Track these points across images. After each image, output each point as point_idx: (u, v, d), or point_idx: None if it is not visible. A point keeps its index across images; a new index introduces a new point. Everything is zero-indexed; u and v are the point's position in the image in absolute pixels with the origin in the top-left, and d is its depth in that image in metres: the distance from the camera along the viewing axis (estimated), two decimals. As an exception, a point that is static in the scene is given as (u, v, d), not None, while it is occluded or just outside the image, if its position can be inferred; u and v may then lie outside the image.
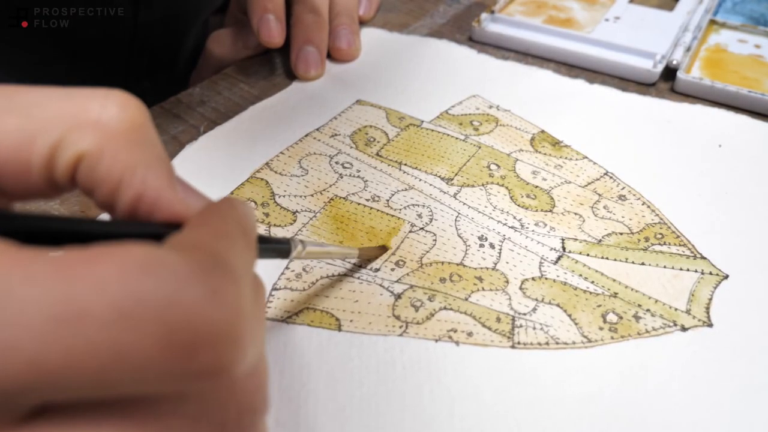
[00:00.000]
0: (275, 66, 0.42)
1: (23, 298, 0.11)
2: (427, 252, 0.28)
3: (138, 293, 0.12)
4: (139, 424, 0.13)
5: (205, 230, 0.14)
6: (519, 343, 0.24)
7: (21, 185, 0.15)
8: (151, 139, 0.16)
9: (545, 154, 0.34)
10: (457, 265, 0.27)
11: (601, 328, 0.25)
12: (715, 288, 0.26)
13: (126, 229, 0.15)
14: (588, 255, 0.28)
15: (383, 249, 0.28)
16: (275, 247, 0.20)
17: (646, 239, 0.29)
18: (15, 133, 0.15)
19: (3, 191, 0.15)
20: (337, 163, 0.33)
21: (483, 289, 0.26)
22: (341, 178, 0.32)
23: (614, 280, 0.27)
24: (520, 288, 0.26)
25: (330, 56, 0.42)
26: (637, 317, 0.25)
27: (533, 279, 0.27)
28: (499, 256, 0.28)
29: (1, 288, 0.11)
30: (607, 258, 0.28)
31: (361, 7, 0.46)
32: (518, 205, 0.31)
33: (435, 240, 0.29)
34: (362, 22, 0.46)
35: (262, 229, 0.29)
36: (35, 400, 0.12)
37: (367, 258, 0.27)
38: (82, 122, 0.15)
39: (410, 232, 0.29)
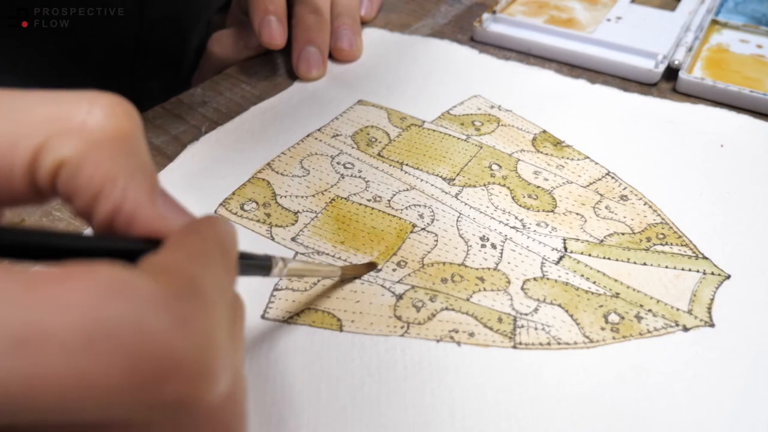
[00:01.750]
0: (277, 66, 0.42)
1: None
2: (429, 252, 0.28)
3: (104, 319, 0.11)
4: None
5: (181, 252, 0.14)
6: (520, 343, 0.24)
7: (5, 190, 0.15)
8: (136, 148, 0.15)
9: (547, 154, 0.34)
10: (459, 265, 0.27)
11: (602, 329, 0.25)
12: (717, 288, 0.26)
13: (102, 245, 0.15)
14: (590, 255, 0.28)
15: (371, 266, 0.27)
16: (256, 263, 0.20)
17: (648, 239, 0.29)
18: None
19: None
20: (338, 163, 0.33)
21: (484, 290, 0.26)
22: (343, 178, 0.32)
23: (616, 281, 0.27)
24: (522, 288, 0.26)
25: (332, 56, 0.42)
26: (638, 317, 0.25)
27: (535, 279, 0.27)
28: (501, 257, 0.28)
29: None
30: (608, 258, 0.28)
31: (362, 8, 0.46)
32: (520, 206, 0.31)
33: (436, 240, 0.29)
34: (364, 23, 0.46)
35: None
36: None
37: (352, 276, 0.26)
38: (66, 127, 0.14)
39: (412, 232, 0.29)
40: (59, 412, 0.11)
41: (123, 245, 0.15)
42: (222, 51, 0.44)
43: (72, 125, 0.14)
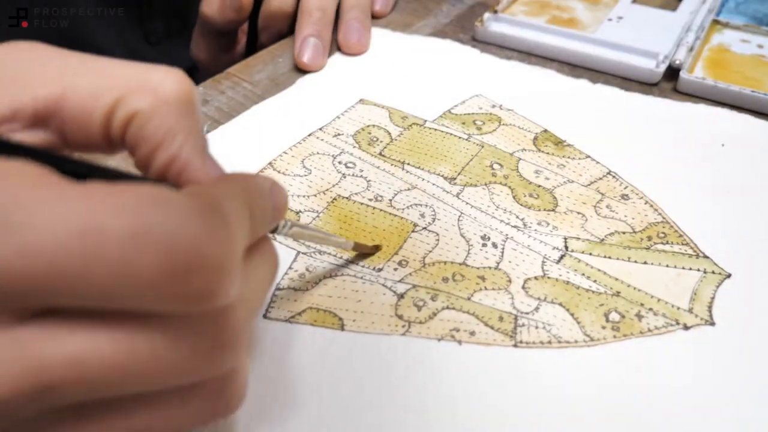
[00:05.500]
0: (278, 65, 0.42)
1: (54, 212, 0.13)
2: (430, 252, 0.28)
3: (149, 221, 0.13)
4: (127, 334, 0.14)
5: (212, 186, 0.17)
6: (521, 342, 0.24)
7: (83, 136, 0.18)
8: (196, 113, 0.18)
9: (548, 153, 0.34)
10: (460, 264, 0.27)
11: (603, 327, 0.25)
12: (718, 287, 0.26)
13: (152, 179, 0.17)
14: (590, 254, 0.28)
15: (377, 248, 0.28)
16: None
17: (649, 238, 0.29)
18: (84, 89, 0.17)
19: (67, 141, 0.18)
20: (340, 162, 0.33)
21: (485, 289, 0.26)
22: (344, 177, 0.32)
23: (617, 279, 0.27)
24: (523, 287, 0.26)
25: (339, 48, 0.43)
26: (639, 316, 0.25)
27: (536, 278, 0.27)
28: (502, 256, 0.28)
29: (36, 203, 0.13)
30: (609, 257, 0.28)
31: (377, 3, 0.47)
32: (521, 205, 0.31)
33: (438, 240, 0.29)
34: (377, 17, 0.47)
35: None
36: (42, 303, 0.13)
37: (359, 252, 0.27)
38: (142, 87, 0.17)
39: (413, 231, 0.29)
40: (103, 295, 0.13)
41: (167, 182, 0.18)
42: (210, 12, 0.44)
43: (147, 86, 0.17)
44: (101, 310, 0.14)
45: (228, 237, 0.15)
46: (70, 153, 0.19)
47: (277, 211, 0.19)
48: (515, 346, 0.24)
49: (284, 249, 0.28)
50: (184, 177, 0.18)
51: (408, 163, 0.33)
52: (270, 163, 0.33)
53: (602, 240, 0.29)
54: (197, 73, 0.41)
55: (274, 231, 0.21)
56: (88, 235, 0.13)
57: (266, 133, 0.35)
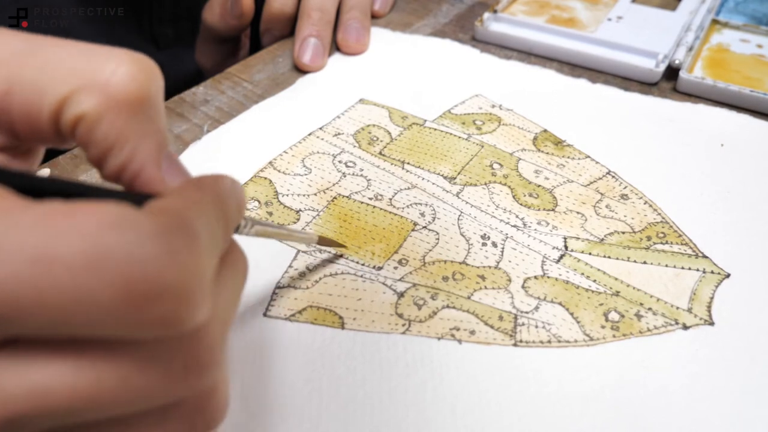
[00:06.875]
0: (278, 65, 0.42)
1: (7, 241, 0.12)
2: (430, 251, 0.28)
3: (105, 246, 0.13)
4: (91, 361, 0.14)
5: (179, 198, 0.16)
6: (521, 341, 0.24)
7: (33, 132, 0.17)
8: (151, 112, 0.17)
9: (548, 153, 0.34)
10: (460, 263, 0.27)
11: (603, 327, 0.25)
12: (717, 287, 0.27)
13: (112, 191, 0.16)
14: (590, 254, 0.28)
15: (342, 245, 0.28)
16: None
17: (648, 238, 0.29)
18: (30, 85, 0.16)
19: (18, 137, 0.17)
20: (340, 161, 0.33)
21: (485, 288, 0.26)
22: (344, 176, 0.32)
23: (616, 279, 0.27)
24: (523, 286, 0.26)
25: (338, 48, 0.43)
26: (638, 316, 0.25)
27: (535, 278, 0.27)
28: (502, 255, 0.28)
29: None
30: (609, 257, 0.28)
31: (376, 3, 0.47)
32: (521, 204, 0.31)
33: (438, 239, 0.29)
34: (377, 17, 0.48)
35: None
36: (2, 334, 0.13)
37: (327, 246, 0.27)
38: (89, 84, 0.16)
39: (413, 230, 0.29)
40: (60, 324, 0.13)
41: (131, 193, 0.16)
42: (212, 19, 0.44)
43: (96, 82, 0.16)
44: (66, 338, 0.14)
45: (193, 259, 0.14)
46: (24, 148, 0.18)
47: (241, 210, 0.18)
48: (515, 345, 0.24)
49: (284, 248, 0.28)
50: (137, 185, 0.17)
51: (408, 163, 0.33)
52: (270, 162, 0.33)
53: (602, 240, 0.29)
54: (203, 78, 0.41)
55: (234, 231, 0.20)
56: (41, 263, 0.12)
57: (266, 132, 0.35)
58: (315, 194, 0.31)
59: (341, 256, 0.28)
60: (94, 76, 0.16)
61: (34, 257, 0.12)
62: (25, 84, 0.16)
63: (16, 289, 0.12)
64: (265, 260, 0.27)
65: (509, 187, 0.32)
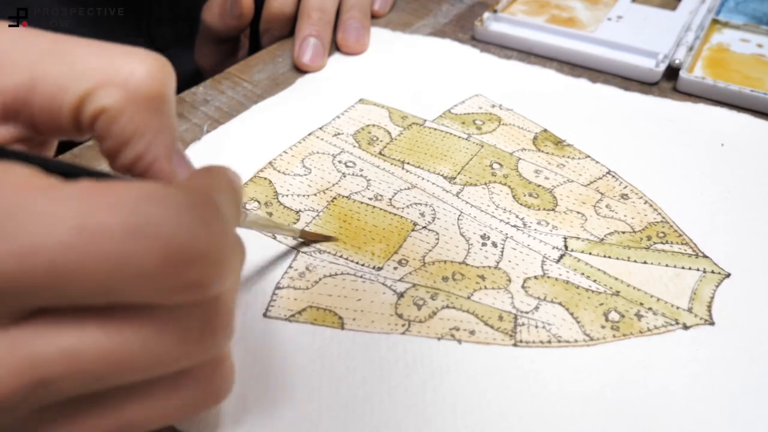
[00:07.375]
0: (278, 65, 0.42)
1: (50, 211, 0.13)
2: (430, 251, 0.28)
3: (145, 215, 0.14)
4: (117, 326, 0.15)
5: (200, 179, 0.18)
6: (521, 341, 0.24)
7: (52, 124, 0.18)
8: (167, 108, 0.18)
9: (548, 153, 0.34)
10: (460, 263, 0.27)
11: (603, 327, 0.25)
12: (717, 286, 0.26)
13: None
14: (590, 254, 0.28)
15: (329, 238, 0.29)
16: None
17: (648, 238, 0.29)
18: (52, 80, 0.17)
19: (37, 130, 0.18)
20: (340, 162, 0.33)
21: (485, 288, 0.26)
22: (344, 177, 0.32)
23: (616, 279, 0.27)
24: (523, 286, 0.26)
25: (337, 48, 0.43)
26: (639, 316, 0.25)
27: (535, 277, 0.27)
28: (502, 255, 0.28)
29: (31, 203, 0.13)
30: (609, 257, 0.28)
31: (376, 3, 0.47)
32: (521, 204, 0.31)
33: (437, 239, 0.29)
34: (376, 17, 0.47)
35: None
36: (39, 302, 0.14)
37: (311, 241, 0.28)
38: (111, 80, 0.17)
39: (413, 230, 0.29)
40: (104, 290, 0.14)
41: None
42: (211, 19, 0.44)
43: (116, 79, 0.17)
44: (91, 306, 0.14)
45: (223, 228, 0.15)
46: (39, 140, 0.19)
47: (242, 198, 0.20)
48: (515, 345, 0.24)
49: (284, 248, 0.28)
50: (149, 176, 0.18)
51: (408, 163, 0.33)
52: (270, 163, 0.33)
53: (602, 239, 0.29)
54: (202, 79, 0.41)
55: None
56: (87, 233, 0.13)
57: (266, 132, 0.35)
58: (315, 194, 0.31)
59: (341, 256, 0.28)
60: (116, 73, 0.17)
61: (78, 226, 0.13)
62: (49, 80, 0.17)
63: (65, 258, 0.13)
64: (265, 260, 0.27)
65: (509, 186, 0.32)
